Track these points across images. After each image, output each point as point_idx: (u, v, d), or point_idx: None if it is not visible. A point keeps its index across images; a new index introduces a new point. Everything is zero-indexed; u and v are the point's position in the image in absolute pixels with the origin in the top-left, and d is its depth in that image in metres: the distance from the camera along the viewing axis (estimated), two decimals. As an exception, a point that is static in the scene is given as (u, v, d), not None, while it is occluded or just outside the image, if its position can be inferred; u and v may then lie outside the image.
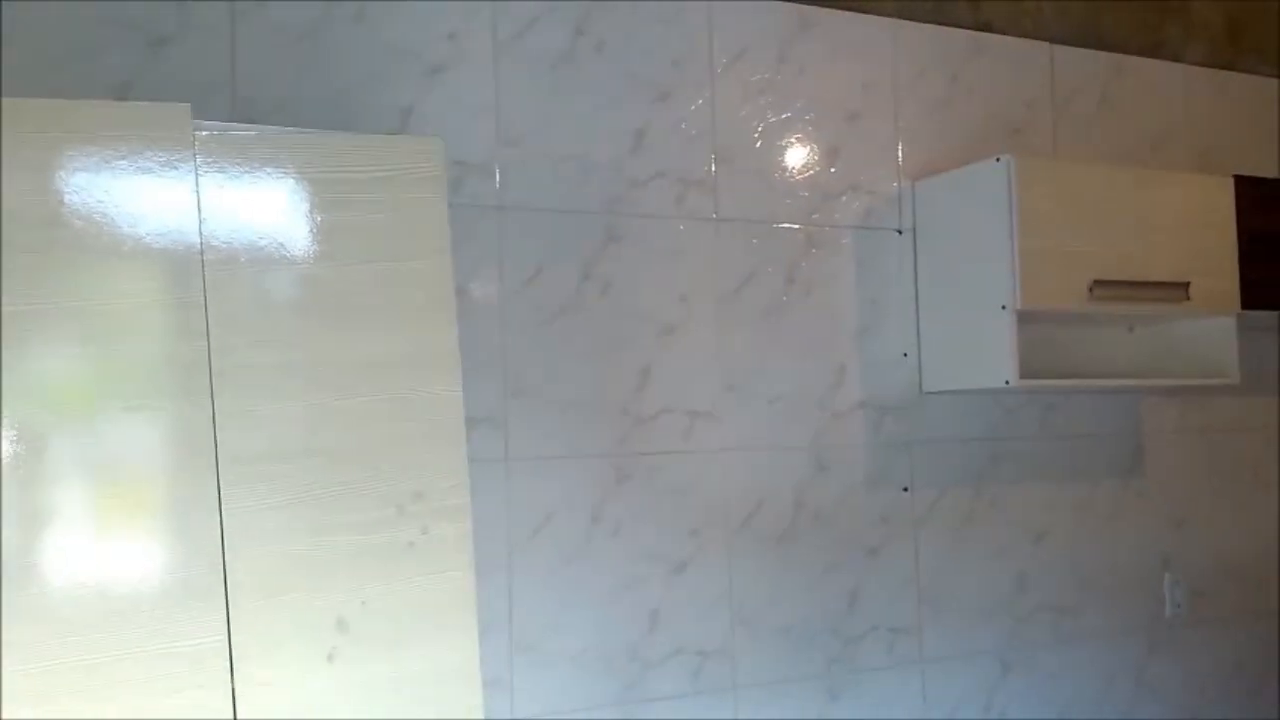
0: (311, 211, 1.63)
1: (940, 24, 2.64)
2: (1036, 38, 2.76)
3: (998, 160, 2.36)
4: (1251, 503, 3.03)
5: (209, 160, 1.57)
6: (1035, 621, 2.67)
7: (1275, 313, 2.70)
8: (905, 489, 2.54)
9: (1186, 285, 2.49)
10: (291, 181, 1.62)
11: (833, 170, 2.50)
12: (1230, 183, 2.60)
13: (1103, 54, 2.86)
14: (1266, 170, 2.83)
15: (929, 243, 2.55)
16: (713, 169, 2.37)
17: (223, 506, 1.54)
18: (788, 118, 2.46)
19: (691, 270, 2.34)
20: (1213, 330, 2.61)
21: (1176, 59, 2.98)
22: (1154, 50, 2.95)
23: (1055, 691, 2.69)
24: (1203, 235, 2.55)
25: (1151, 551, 2.87)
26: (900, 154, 2.58)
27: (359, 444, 1.62)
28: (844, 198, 2.51)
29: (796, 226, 2.46)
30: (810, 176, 2.48)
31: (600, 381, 2.23)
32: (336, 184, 1.64)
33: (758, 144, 2.42)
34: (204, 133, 1.57)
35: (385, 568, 1.63)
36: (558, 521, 2.17)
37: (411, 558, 1.64)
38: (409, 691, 1.66)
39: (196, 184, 1.55)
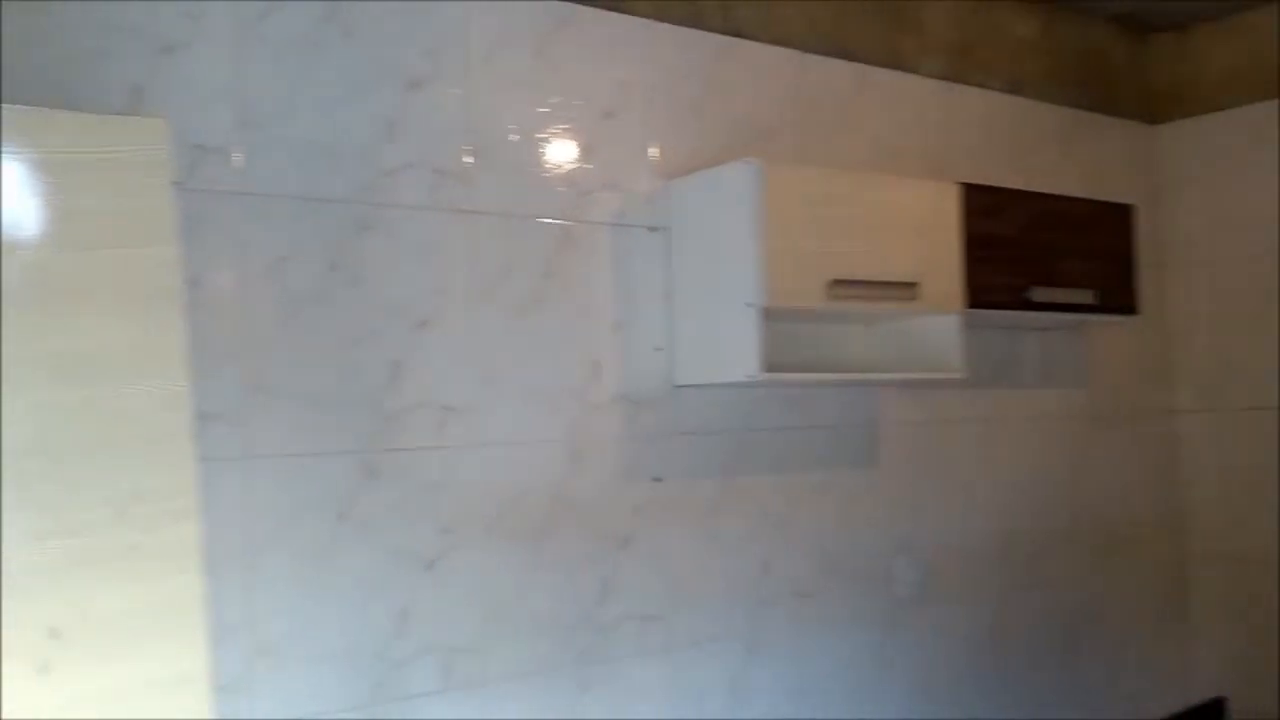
0: (25, 194, 1.52)
1: (693, 27, 2.70)
2: (785, 45, 2.88)
3: (744, 163, 2.44)
4: (977, 488, 3.26)
5: (-97, 136, 1.45)
6: (778, 605, 2.79)
7: (996, 311, 2.89)
8: (658, 480, 2.60)
9: (916, 285, 2.65)
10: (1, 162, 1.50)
11: (589, 167, 2.53)
12: (956, 189, 2.78)
13: (846, 63, 3.01)
14: (990, 178, 3.03)
15: (680, 241, 2.61)
16: (468, 161, 2.35)
17: (-81, 511, 1.42)
18: (544, 113, 2.47)
19: (446, 263, 2.32)
20: (940, 328, 2.78)
21: (913, 71, 3.17)
22: (893, 62, 3.12)
23: (798, 672, 2.81)
24: (931, 238, 2.72)
25: (888, 535, 3.04)
26: (654, 153, 2.63)
27: (76, 442, 1.53)
28: (599, 194, 2.54)
29: (553, 222, 2.47)
30: (566, 173, 2.50)
31: (348, 376, 2.18)
32: (52, 165, 1.54)
33: (514, 138, 2.42)
34: (-104, 106, 1.44)
35: (105, 572, 1.55)
36: (302, 521, 2.11)
37: (134, 561, 1.56)
38: (132, 701, 1.58)
39: (-113, 161, 1.43)
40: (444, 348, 2.30)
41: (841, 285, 2.51)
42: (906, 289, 2.64)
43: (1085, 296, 3.10)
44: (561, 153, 2.49)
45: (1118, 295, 3.23)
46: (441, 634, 2.26)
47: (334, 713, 2.13)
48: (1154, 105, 3.90)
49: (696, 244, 2.58)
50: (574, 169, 2.51)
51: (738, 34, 2.79)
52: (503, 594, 2.35)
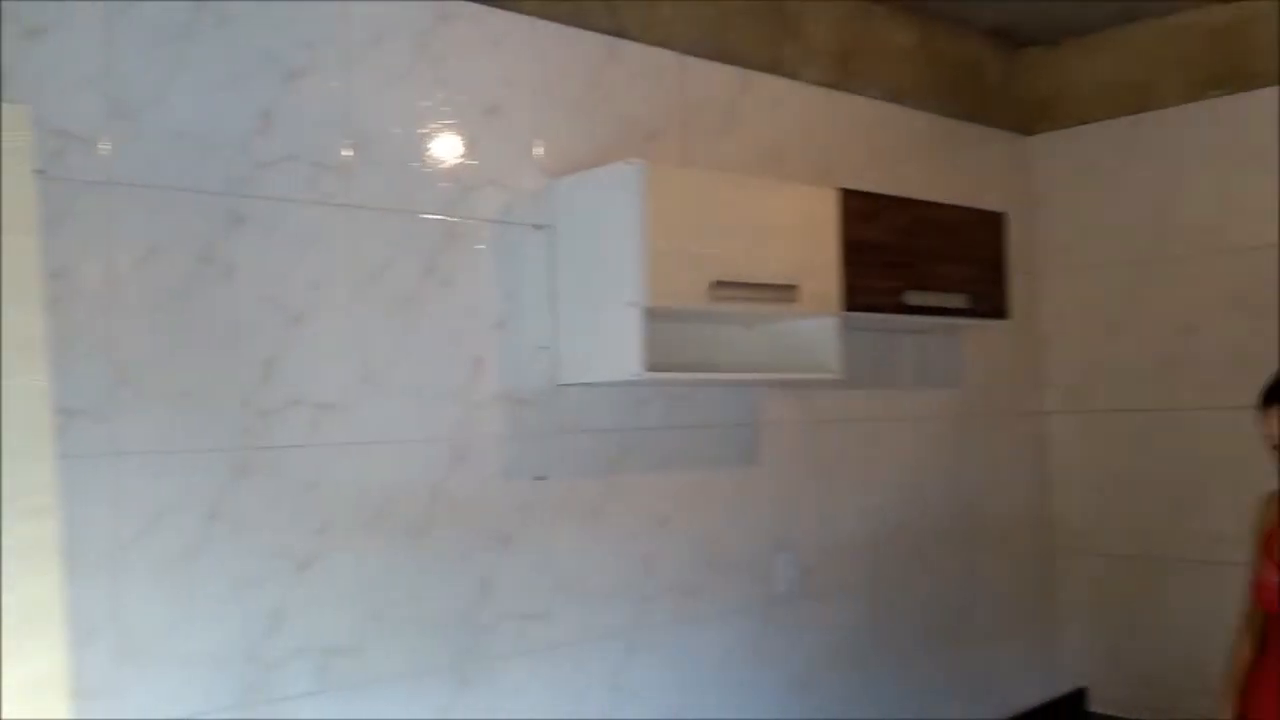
0: None
1: (578, 26, 2.71)
2: (669, 47, 2.90)
3: (628, 163, 2.45)
4: (854, 485, 3.33)
5: None
6: (660, 602, 2.81)
7: (873, 314, 2.96)
8: (540, 478, 2.60)
9: (795, 288, 2.69)
10: None
11: (472, 163, 2.52)
12: (836, 194, 2.84)
13: (730, 67, 3.05)
14: (869, 184, 3.10)
15: (565, 240, 2.62)
16: (347, 154, 2.32)
17: None
18: (427, 107, 2.45)
19: (324, 257, 2.28)
20: (819, 329, 2.83)
21: (795, 77, 3.23)
22: (775, 67, 3.17)
23: (678, 667, 2.84)
24: (811, 242, 2.77)
25: (767, 533, 3.09)
26: (539, 151, 2.63)
27: (-74, 438, 1.47)
28: (483, 191, 2.53)
29: (435, 217, 2.45)
30: (449, 168, 2.48)
31: (220, 371, 2.12)
32: (-98, 150, 1.48)
33: (396, 132, 2.40)
34: None
35: (-43, 574, 1.49)
36: (171, 520, 2.05)
37: (-11, 562, 1.51)
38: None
39: None
40: (320, 344, 2.26)
41: (723, 287, 2.54)
42: (786, 291, 2.68)
43: (959, 301, 3.19)
44: (444, 148, 2.47)
45: (990, 300, 3.33)
46: (316, 635, 2.23)
47: (203, 714, 2.08)
48: (1026, 116, 4.04)
49: (581, 243, 2.58)
50: (457, 165, 2.49)
51: (622, 34, 2.81)
52: (380, 594, 2.32)
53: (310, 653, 2.22)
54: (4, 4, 1.91)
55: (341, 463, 2.28)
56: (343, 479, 2.28)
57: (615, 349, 2.48)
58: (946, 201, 3.27)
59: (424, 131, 2.44)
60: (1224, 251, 3.64)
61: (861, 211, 2.90)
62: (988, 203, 3.48)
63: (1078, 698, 3.92)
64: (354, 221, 2.32)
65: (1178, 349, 3.73)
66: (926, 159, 3.61)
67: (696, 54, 2.97)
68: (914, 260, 3.07)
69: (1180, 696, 3.57)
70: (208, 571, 2.10)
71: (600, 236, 2.53)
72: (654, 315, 2.47)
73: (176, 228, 2.09)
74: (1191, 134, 3.70)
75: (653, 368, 2.46)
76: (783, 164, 3.15)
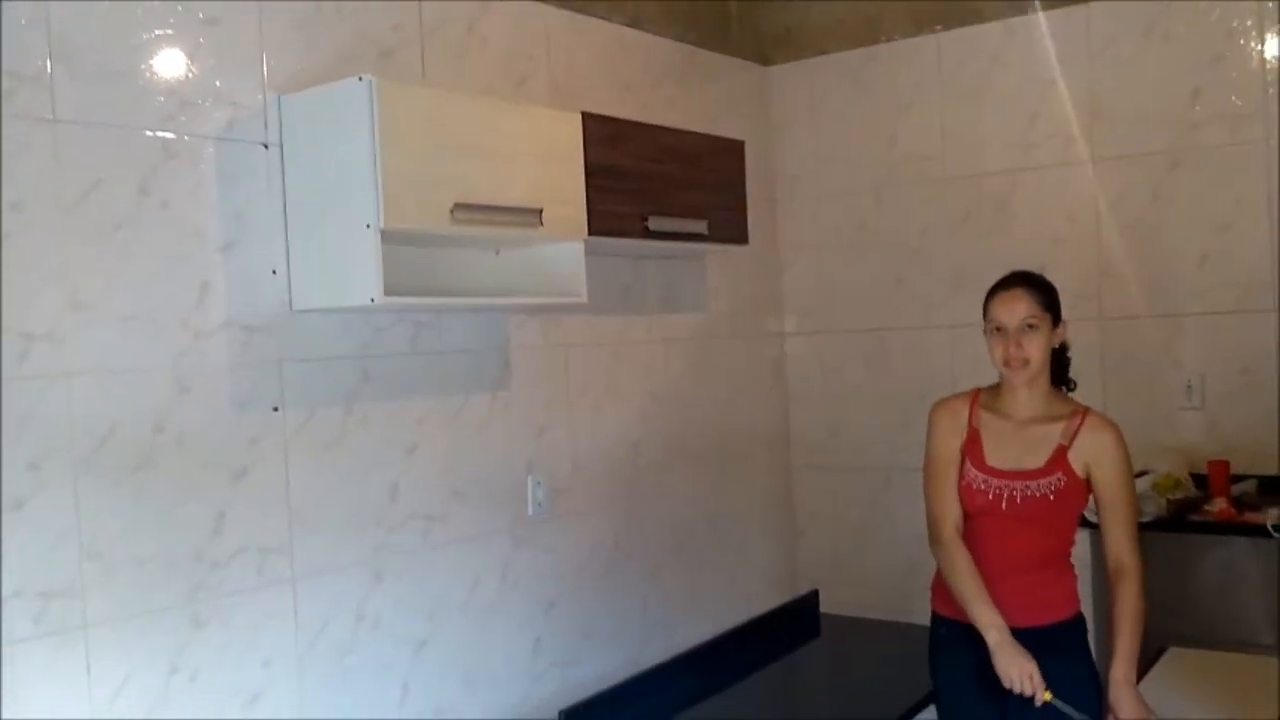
0: None
1: (306, -64, 2.58)
2: (405, -38, 2.81)
3: (359, 79, 2.36)
4: (603, 408, 3.39)
5: None
6: (406, 530, 2.79)
7: (618, 239, 2.99)
8: (275, 409, 2.52)
9: (540, 211, 2.68)
10: None
11: (191, 76, 2.37)
12: (579, 118, 2.84)
13: (469, -16, 2.98)
14: (612, 110, 3.11)
15: (296, 159, 2.51)
16: (48, 65, 2.13)
17: None
18: (140, 15, 2.28)
19: (24, 176, 2.10)
20: (565, 254, 2.84)
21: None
22: (518, -12, 3.13)
23: (425, 594, 2.83)
24: (555, 166, 2.76)
25: (517, 457, 3.11)
26: (266, 66, 2.50)
27: None
28: (204, 106, 2.39)
29: (150, 134, 2.30)
30: (166, 82, 2.33)
31: (-97, 299, 1.94)
32: None
33: (103, 41, 2.22)
34: None
35: None
36: None
37: None
38: None
39: None
40: (22, 269, 2.09)
41: (465, 209, 2.50)
42: (531, 215, 2.66)
43: (699, 227, 3.27)
44: (159, 61, 2.31)
45: (730, 226, 3.43)
46: (31, 578, 2.09)
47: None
48: (766, 47, 4.15)
49: (313, 162, 2.48)
50: (175, 79, 2.34)
51: (354, -54, 2.69)
52: (101, 533, 2.19)
53: (26, 597, 2.08)
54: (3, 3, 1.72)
55: (52, 395, 2.13)
56: (55, 413, 2.14)
57: (352, 273, 2.41)
58: (688, 129, 3.32)
59: (135, 42, 2.28)
60: (945, 179, 3.87)
61: (605, 137, 2.92)
62: (728, 131, 3.56)
63: (812, 599, 4.15)
64: (57, 138, 2.15)
65: (904, 272, 3.96)
66: (669, 86, 3.66)
67: (434, -30, 2.88)
68: (657, 186, 3.12)
69: (903, 598, 3.83)
70: (-103, 517, 1.93)
71: (333, 156, 2.43)
72: (393, 238, 2.41)
73: None
74: (915, 67, 3.90)
75: (392, 292, 2.41)
76: (525, 87, 3.12)
